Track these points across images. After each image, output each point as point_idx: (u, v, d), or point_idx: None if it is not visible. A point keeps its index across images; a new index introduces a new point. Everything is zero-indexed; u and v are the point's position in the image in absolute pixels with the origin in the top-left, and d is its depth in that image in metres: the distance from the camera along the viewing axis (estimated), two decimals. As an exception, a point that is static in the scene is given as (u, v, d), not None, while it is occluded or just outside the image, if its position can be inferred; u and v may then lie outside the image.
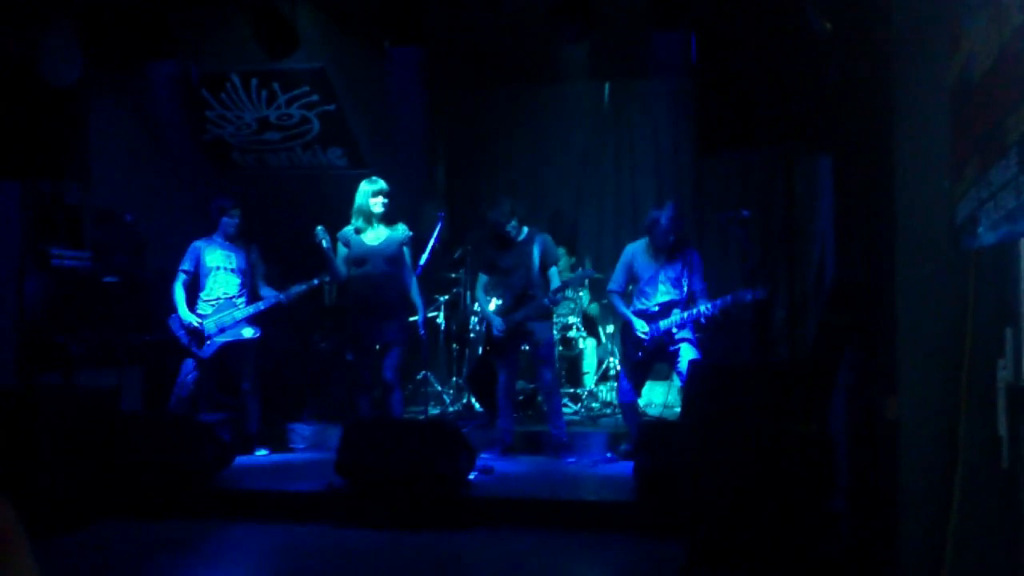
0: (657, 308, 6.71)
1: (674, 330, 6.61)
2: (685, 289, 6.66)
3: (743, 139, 4.84)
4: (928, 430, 3.12)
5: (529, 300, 6.94)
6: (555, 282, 6.96)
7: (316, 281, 7.09)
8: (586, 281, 8.93)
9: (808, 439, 4.25)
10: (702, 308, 6.51)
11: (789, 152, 6.71)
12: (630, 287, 6.97)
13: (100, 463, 5.73)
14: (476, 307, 8.35)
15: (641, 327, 6.65)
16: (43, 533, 5.03)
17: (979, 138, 2.52)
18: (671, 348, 6.65)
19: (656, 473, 5.27)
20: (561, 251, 8.34)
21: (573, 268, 8.84)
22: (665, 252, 6.75)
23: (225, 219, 7.18)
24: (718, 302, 6.46)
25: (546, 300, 6.89)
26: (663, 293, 6.72)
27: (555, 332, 7.93)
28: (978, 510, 2.61)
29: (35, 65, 6.20)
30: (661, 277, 6.73)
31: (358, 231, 6.85)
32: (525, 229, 7.10)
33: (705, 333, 6.90)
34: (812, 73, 4.49)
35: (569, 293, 8.80)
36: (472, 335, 8.72)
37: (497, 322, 7.01)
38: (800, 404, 4.35)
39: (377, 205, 6.81)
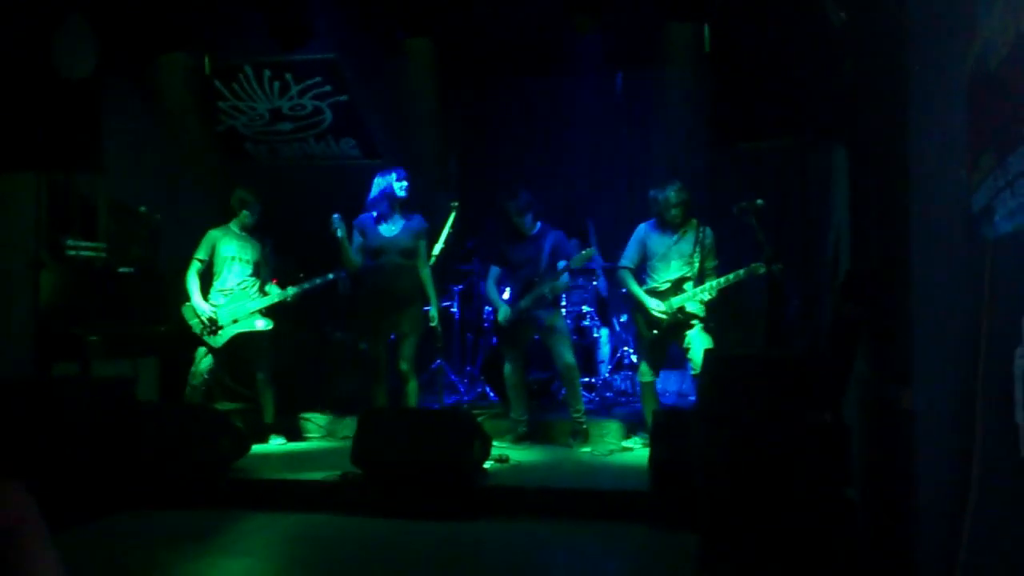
0: (668, 285, 6.71)
1: (687, 307, 6.61)
2: (696, 266, 6.65)
3: (757, 130, 4.82)
4: (944, 419, 3.12)
5: (535, 291, 6.95)
6: (561, 281, 6.97)
7: (331, 276, 7.10)
8: (598, 270, 8.93)
9: (823, 429, 4.25)
10: (713, 283, 6.50)
11: (804, 143, 6.70)
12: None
13: (116, 454, 5.75)
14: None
15: (656, 307, 6.65)
16: (60, 524, 5.03)
17: (996, 127, 2.51)
18: (685, 328, 6.65)
19: (671, 463, 5.27)
20: (575, 241, 8.34)
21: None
22: (676, 229, 6.73)
23: (246, 211, 7.22)
24: (731, 277, 6.45)
25: (546, 290, 6.91)
26: (674, 270, 6.71)
27: (568, 321, 7.95)
28: (995, 498, 2.61)
29: (49, 57, 6.23)
30: (673, 254, 6.72)
31: (378, 219, 6.89)
32: (539, 224, 7.13)
33: (719, 321, 6.88)
34: (826, 63, 4.47)
35: (580, 281, 8.81)
36: (486, 324, 8.75)
37: (504, 310, 7.04)
38: (815, 394, 4.35)
39: (401, 189, 6.86)
